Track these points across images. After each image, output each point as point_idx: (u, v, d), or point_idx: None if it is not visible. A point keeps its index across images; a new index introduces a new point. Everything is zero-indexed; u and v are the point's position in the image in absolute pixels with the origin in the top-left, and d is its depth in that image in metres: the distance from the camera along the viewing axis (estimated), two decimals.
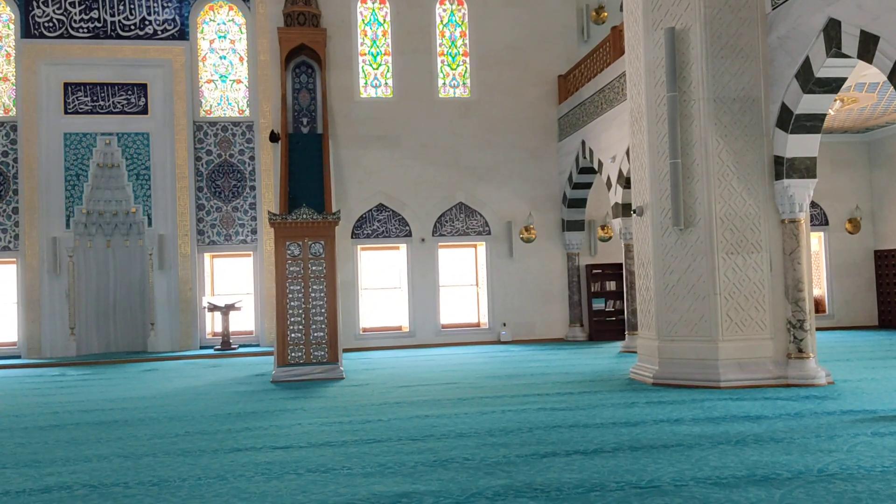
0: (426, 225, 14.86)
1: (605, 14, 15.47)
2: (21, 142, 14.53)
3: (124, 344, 14.98)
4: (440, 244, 15.03)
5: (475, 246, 15.39)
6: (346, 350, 13.86)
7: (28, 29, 14.72)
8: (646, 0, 8.89)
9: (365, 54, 15.03)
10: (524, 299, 15.12)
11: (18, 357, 14.31)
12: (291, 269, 10.34)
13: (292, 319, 10.29)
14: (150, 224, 14.82)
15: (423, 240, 14.83)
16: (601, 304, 15.14)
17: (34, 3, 14.73)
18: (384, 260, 15.22)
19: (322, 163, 13.16)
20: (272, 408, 8.10)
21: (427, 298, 14.85)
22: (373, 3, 15.13)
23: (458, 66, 15.34)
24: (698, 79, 8.45)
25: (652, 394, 8.07)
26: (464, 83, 15.34)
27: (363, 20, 15.07)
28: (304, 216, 10.36)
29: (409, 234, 14.83)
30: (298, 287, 10.32)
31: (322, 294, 10.37)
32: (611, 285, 15.13)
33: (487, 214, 15.09)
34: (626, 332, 12.57)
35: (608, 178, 12.81)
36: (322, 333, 10.36)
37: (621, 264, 13.37)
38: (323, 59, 14.30)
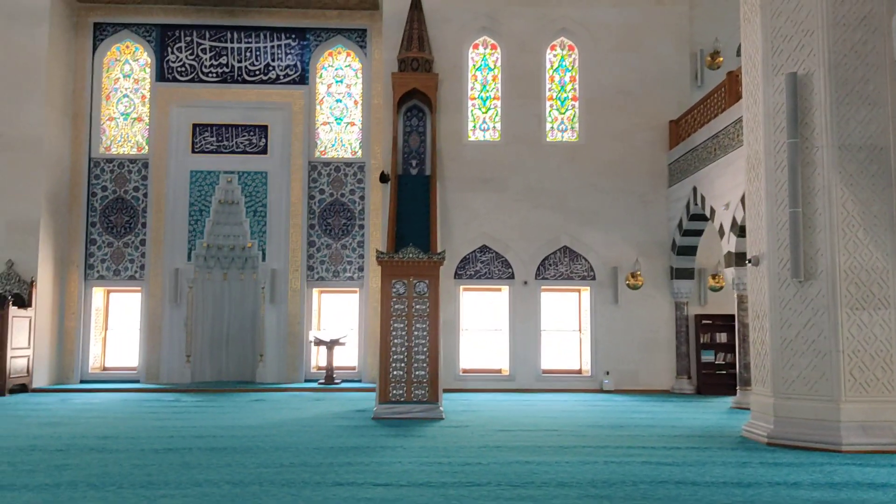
0: (529, 268, 14.80)
1: (721, 59, 15.19)
2: (151, 178, 15.50)
3: (235, 373, 15.53)
4: (543, 287, 14.91)
5: (579, 291, 15.18)
6: (445, 390, 13.86)
7: (162, 73, 15.78)
8: (766, 45, 8.66)
9: (474, 98, 15.28)
10: (629, 348, 14.74)
11: (138, 381, 15.07)
12: (396, 306, 10.49)
13: (395, 357, 10.41)
14: (263, 259, 15.43)
15: (525, 282, 14.76)
16: (710, 357, 14.56)
17: (169, 50, 15.80)
18: (486, 301, 15.21)
19: (429, 204, 13.38)
20: (373, 444, 8.17)
21: (528, 342, 14.72)
22: (484, 49, 15.40)
23: (566, 110, 15.35)
24: (822, 125, 8.13)
25: (766, 454, 7.66)
26: (572, 127, 15.32)
27: (474, 65, 15.35)
28: (411, 255, 10.53)
29: (512, 277, 14.79)
30: (402, 325, 10.45)
31: (425, 333, 10.46)
32: (721, 337, 14.55)
33: (592, 259, 14.88)
34: (737, 387, 12.03)
35: (721, 226, 12.42)
36: (423, 372, 10.41)
37: (733, 315, 12.86)
38: (433, 103, 14.62)
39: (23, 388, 13.72)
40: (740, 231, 11.35)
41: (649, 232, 14.98)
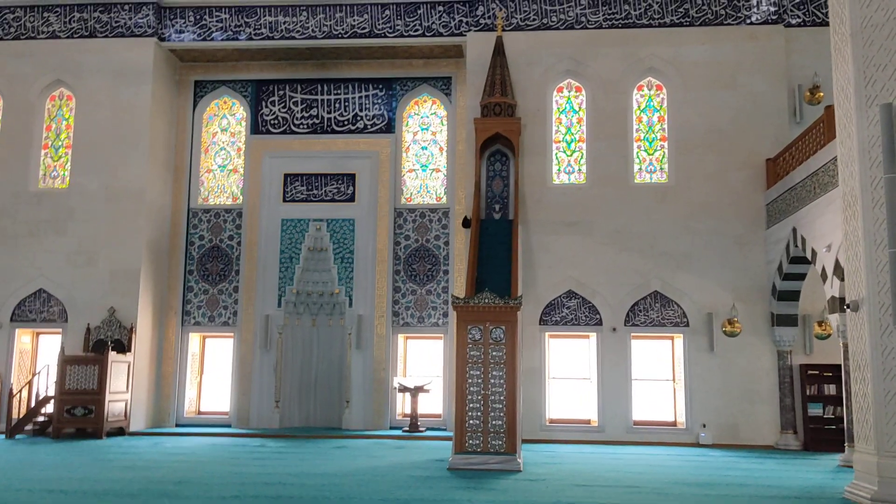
0: (618, 314, 14.26)
1: (821, 94, 14.40)
2: (245, 227, 16.01)
3: (322, 419, 15.60)
4: (633, 335, 14.31)
5: (671, 338, 14.49)
6: (531, 441, 13.46)
7: (257, 126, 16.40)
8: (858, 75, 8.10)
9: (559, 141, 15.06)
10: (727, 399, 13.88)
11: (229, 426, 15.36)
12: (472, 353, 10.27)
13: (471, 406, 10.16)
14: (350, 305, 15.56)
15: (614, 329, 14.21)
16: (818, 410, 13.51)
17: (263, 103, 16.43)
18: (573, 349, 14.73)
19: (511, 248, 13.16)
20: (441, 497, 7.91)
21: (618, 392, 14.10)
22: (569, 92, 15.21)
23: (654, 150, 14.89)
24: None
25: None
26: (661, 168, 14.83)
27: (558, 108, 15.17)
28: (486, 300, 10.33)
29: (600, 323, 14.29)
30: (478, 372, 10.21)
31: (501, 381, 10.17)
32: (830, 388, 13.49)
33: (685, 305, 14.20)
34: (845, 444, 11.06)
35: (823, 269, 11.60)
36: (500, 422, 10.10)
37: (840, 365, 11.91)
38: (516, 148, 14.50)
39: (120, 432, 14.23)
40: (843, 274, 10.54)
41: (746, 276, 14.18)
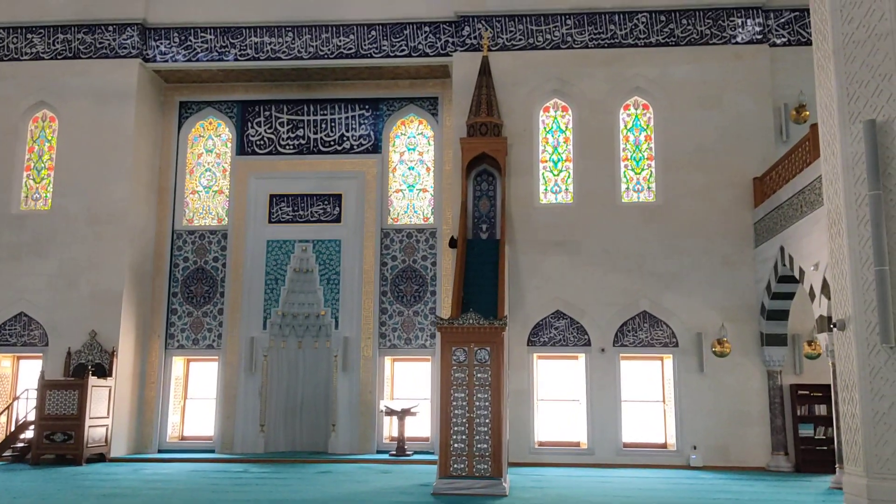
0: (606, 334, 14.11)
1: (807, 113, 14.38)
2: (230, 249, 15.84)
3: (308, 443, 15.33)
4: (622, 355, 14.15)
5: (661, 358, 14.34)
6: (519, 464, 13.25)
7: (242, 147, 16.29)
8: (841, 92, 8.03)
9: (546, 161, 14.99)
10: (717, 420, 13.70)
11: (213, 451, 15.08)
12: (456, 375, 10.09)
13: (455, 429, 9.96)
14: (336, 326, 15.37)
15: (602, 350, 14.06)
16: (809, 431, 13.35)
17: (249, 124, 16.34)
18: (562, 370, 14.55)
19: (498, 268, 13.02)
20: None
21: (607, 413, 13.91)
22: (555, 111, 15.17)
23: (642, 170, 14.83)
24: None
25: None
26: (648, 187, 14.76)
27: (545, 128, 15.12)
28: (471, 321, 10.17)
29: (588, 344, 14.12)
30: (463, 395, 10.03)
31: (487, 403, 9.99)
32: (821, 409, 13.35)
33: (674, 325, 14.06)
34: (836, 465, 10.89)
35: (811, 288, 11.50)
36: (486, 445, 9.90)
37: (830, 385, 11.76)
38: (503, 167, 14.42)
39: (101, 458, 13.94)
40: (831, 293, 10.43)
41: (736, 295, 14.06)
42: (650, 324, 14.16)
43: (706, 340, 13.93)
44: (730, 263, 14.16)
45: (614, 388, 14.03)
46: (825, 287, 10.82)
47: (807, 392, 13.51)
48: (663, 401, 14.29)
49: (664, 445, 14.04)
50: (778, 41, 14.85)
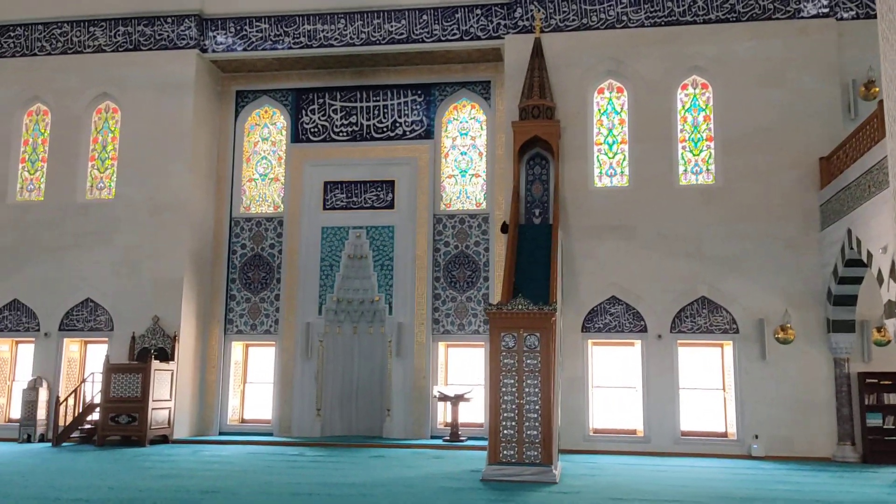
0: (663, 320, 13.78)
1: (877, 89, 13.68)
2: (286, 235, 16.04)
3: (363, 428, 15.47)
4: (679, 342, 13.80)
5: (721, 345, 13.94)
6: (573, 451, 13.11)
7: (297, 135, 16.45)
8: None
9: (600, 144, 14.69)
10: (780, 409, 13.26)
11: (271, 434, 15.36)
12: (505, 361, 10.00)
13: (505, 415, 9.89)
14: (390, 312, 15.44)
15: (659, 336, 13.74)
16: (878, 420, 12.80)
17: (303, 112, 16.48)
18: (617, 357, 14.29)
19: (549, 254, 12.84)
20: None
21: (664, 401, 13.61)
22: (610, 93, 14.84)
23: (700, 151, 14.39)
24: None
25: None
26: (707, 169, 14.32)
27: (599, 110, 14.80)
28: (520, 307, 10.05)
29: (645, 330, 13.83)
30: (512, 381, 9.94)
31: (536, 390, 9.87)
32: (890, 398, 12.79)
33: (735, 311, 13.64)
34: None
35: (879, 272, 10.97)
36: (535, 432, 9.80)
37: None
38: (556, 151, 14.19)
39: (164, 440, 14.35)
40: None
41: (800, 280, 13.55)
42: (709, 310, 13.77)
43: (768, 327, 13.48)
44: (794, 247, 13.64)
45: (671, 375, 13.71)
46: (894, 271, 10.32)
47: (875, 380, 12.94)
48: (723, 388, 13.91)
49: (724, 434, 13.67)
50: (845, 15, 14.18)
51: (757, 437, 13.23)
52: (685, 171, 14.38)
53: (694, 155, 14.41)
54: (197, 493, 8.43)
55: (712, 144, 14.36)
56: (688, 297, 13.82)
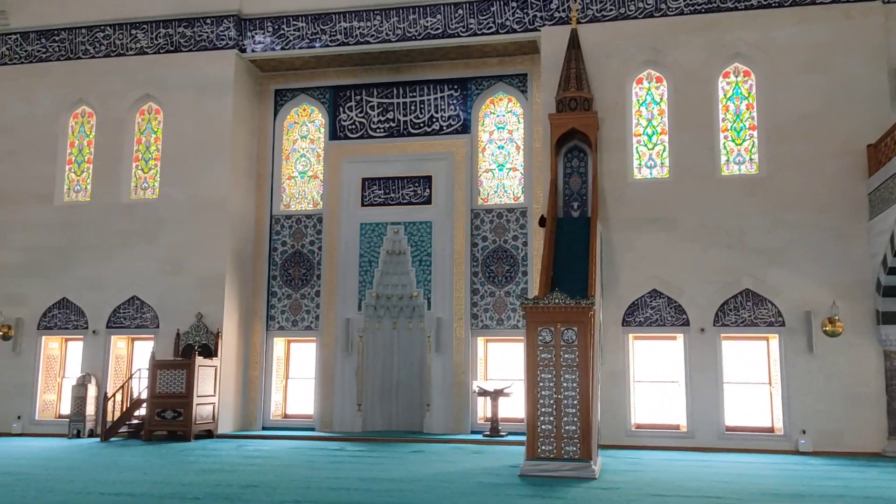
0: (706, 313, 13.54)
1: None
2: (325, 232, 16.17)
3: (404, 423, 15.52)
4: (723, 335, 13.55)
5: (766, 339, 13.64)
6: (615, 447, 12.98)
7: (335, 132, 16.55)
8: None
9: (639, 135, 14.48)
10: (829, 403, 12.93)
11: (313, 429, 15.51)
12: (543, 355, 9.92)
13: (542, 410, 9.81)
14: (429, 307, 15.46)
15: (702, 330, 13.50)
16: None
17: (341, 109, 16.57)
18: (659, 350, 14.09)
19: (588, 247, 12.70)
20: None
21: (708, 396, 13.38)
22: (648, 83, 14.61)
23: (743, 140, 14.09)
24: None
25: None
26: (750, 158, 14.01)
27: (638, 101, 14.59)
28: (557, 301, 9.96)
29: (687, 323, 13.60)
30: (549, 376, 9.85)
31: (574, 385, 9.77)
32: None
33: (780, 303, 13.33)
34: None
35: None
36: (574, 427, 9.71)
37: None
38: (594, 143, 14.02)
39: (209, 434, 14.60)
40: None
41: (848, 271, 13.19)
42: (753, 302, 13.49)
43: (815, 319, 13.14)
44: (841, 237, 13.28)
45: (715, 369, 13.47)
46: None
47: None
48: (769, 383, 13.62)
49: (770, 429, 13.39)
50: None
51: (804, 431, 12.94)
52: (727, 160, 14.10)
53: (736, 144, 14.12)
54: (238, 488, 8.54)
55: (755, 133, 14.05)
56: (731, 289, 13.55)
